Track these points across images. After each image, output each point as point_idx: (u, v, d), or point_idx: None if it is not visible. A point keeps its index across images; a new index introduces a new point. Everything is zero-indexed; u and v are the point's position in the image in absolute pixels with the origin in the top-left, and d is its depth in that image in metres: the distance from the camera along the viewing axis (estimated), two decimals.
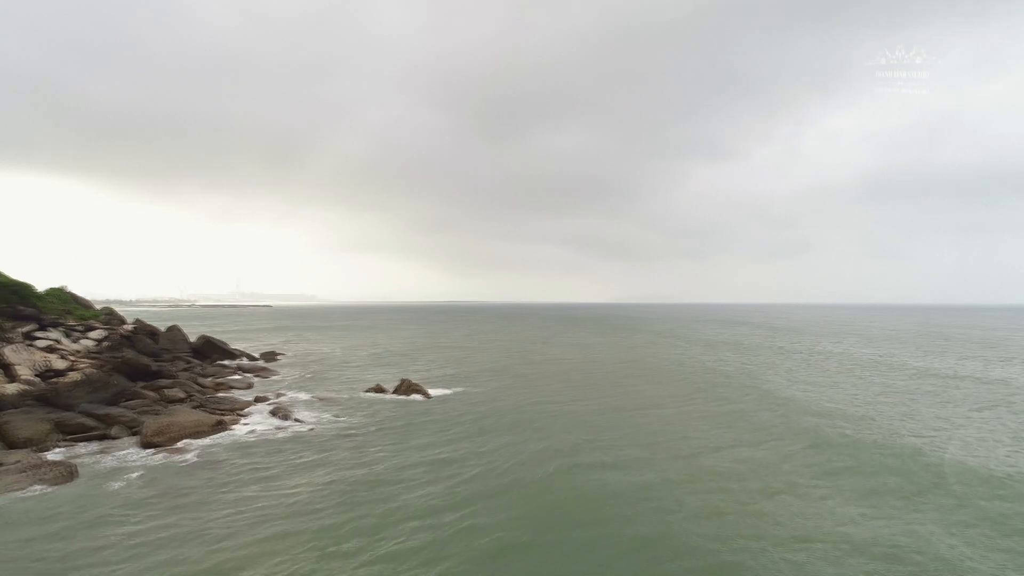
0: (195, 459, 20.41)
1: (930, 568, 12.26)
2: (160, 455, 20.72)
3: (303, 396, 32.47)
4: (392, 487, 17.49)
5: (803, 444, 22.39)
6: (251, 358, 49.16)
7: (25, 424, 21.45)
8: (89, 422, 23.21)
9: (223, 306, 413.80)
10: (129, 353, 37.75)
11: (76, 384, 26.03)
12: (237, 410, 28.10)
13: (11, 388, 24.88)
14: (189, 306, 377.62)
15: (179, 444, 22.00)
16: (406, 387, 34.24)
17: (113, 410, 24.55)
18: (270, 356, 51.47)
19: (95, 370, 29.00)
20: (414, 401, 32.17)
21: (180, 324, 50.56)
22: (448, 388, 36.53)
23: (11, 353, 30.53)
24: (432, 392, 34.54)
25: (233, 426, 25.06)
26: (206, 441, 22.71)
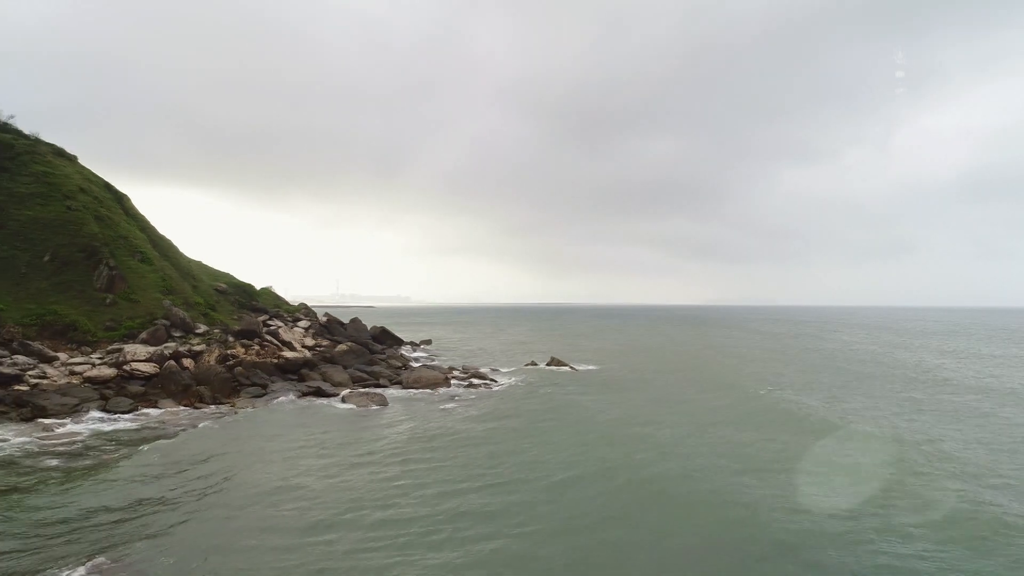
0: (442, 397, 31.00)
1: None
2: (421, 394, 31.53)
3: (483, 368, 42.97)
4: (581, 411, 27.13)
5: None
6: (414, 344, 60.93)
7: (335, 374, 33.07)
8: (364, 375, 34.64)
9: (327, 307, 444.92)
10: (345, 336, 50.13)
11: (345, 352, 37.86)
12: (445, 373, 38.92)
13: (307, 353, 36.90)
14: (297, 307, 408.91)
15: (427, 390, 32.79)
16: (555, 362, 44.07)
17: (373, 369, 35.98)
18: (427, 343, 63.18)
19: (353, 343, 40.91)
20: (564, 371, 41.86)
21: None
22: (583, 365, 46.00)
23: (283, 333, 43.20)
24: (574, 366, 44.18)
25: (451, 383, 35.73)
26: (441, 389, 33.40)
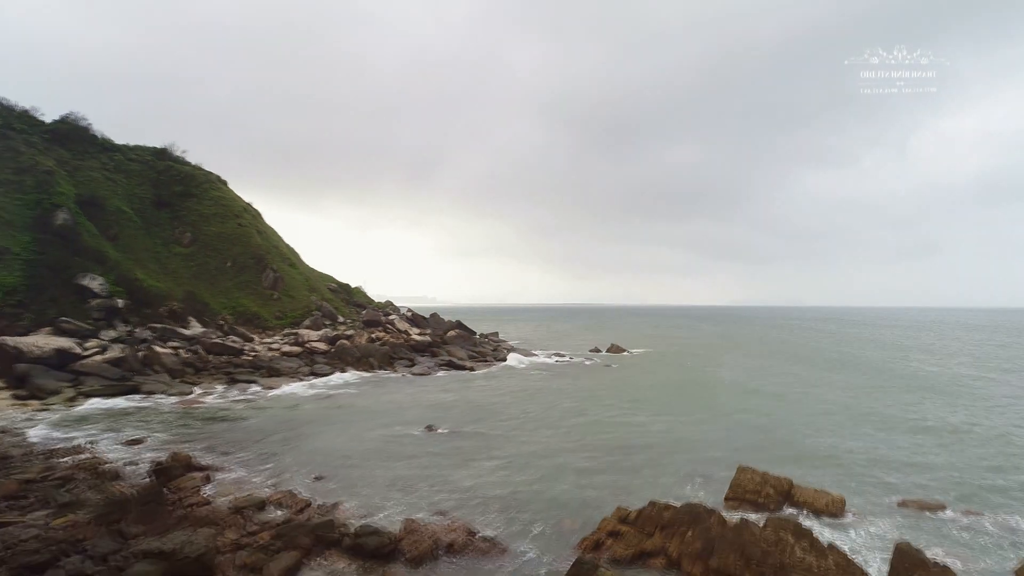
0: (545, 367, 41.23)
1: None
2: (524, 366, 41.82)
3: (552, 350, 53.11)
4: (644, 378, 37.11)
5: None
6: (484, 335, 71.37)
7: (457, 351, 43.61)
8: (474, 353, 45.11)
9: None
10: (431, 327, 60.74)
11: (455, 337, 48.44)
12: (532, 354, 49.18)
13: (427, 338, 47.52)
14: (384, 303, 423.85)
15: (528, 362, 43.03)
16: (615, 348, 54.07)
17: (478, 349, 46.45)
18: (494, 334, 73.60)
19: (460, 330, 51.55)
20: (622, 355, 51.82)
21: None
22: (634, 350, 55.92)
23: (397, 323, 53.94)
24: (631, 351, 54.10)
25: (543, 359, 45.91)
26: (539, 360, 43.60)
